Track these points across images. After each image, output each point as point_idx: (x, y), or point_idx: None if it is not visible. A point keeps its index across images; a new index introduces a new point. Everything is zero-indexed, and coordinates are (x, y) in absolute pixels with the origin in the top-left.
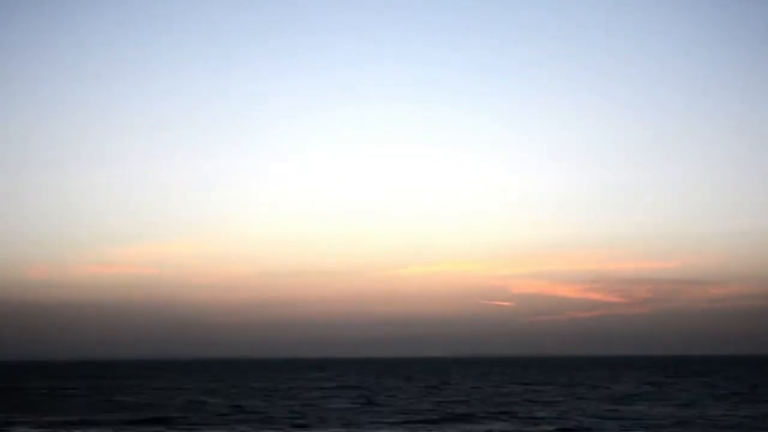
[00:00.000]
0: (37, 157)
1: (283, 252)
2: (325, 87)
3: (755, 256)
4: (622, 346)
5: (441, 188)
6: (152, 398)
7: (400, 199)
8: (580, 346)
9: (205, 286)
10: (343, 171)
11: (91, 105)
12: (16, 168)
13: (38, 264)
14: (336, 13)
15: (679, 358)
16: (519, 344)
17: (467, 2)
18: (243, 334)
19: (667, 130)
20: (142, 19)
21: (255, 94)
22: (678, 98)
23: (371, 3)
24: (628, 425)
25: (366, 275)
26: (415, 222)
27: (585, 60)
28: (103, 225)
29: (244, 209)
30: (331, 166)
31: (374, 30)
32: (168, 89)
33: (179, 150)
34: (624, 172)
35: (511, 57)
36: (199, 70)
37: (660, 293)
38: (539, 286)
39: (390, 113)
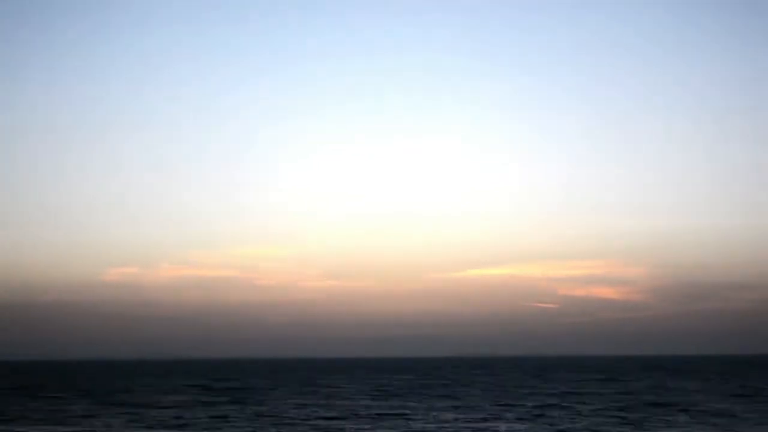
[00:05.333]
0: (119, 161)
1: (345, 254)
2: (377, 95)
3: None
4: (660, 347)
5: (501, 189)
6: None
7: (459, 202)
8: (617, 346)
9: (272, 287)
10: (404, 175)
11: (173, 114)
12: (98, 172)
13: (118, 266)
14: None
15: (726, 358)
16: (560, 344)
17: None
18: (307, 334)
19: (698, 132)
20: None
21: (315, 112)
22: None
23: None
24: None
25: (423, 277)
26: (475, 225)
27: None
28: (182, 229)
29: (312, 215)
30: (393, 170)
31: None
32: (242, 103)
33: (251, 161)
34: (661, 173)
35: (567, 58)
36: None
37: (700, 295)
38: (586, 289)
39: (444, 116)
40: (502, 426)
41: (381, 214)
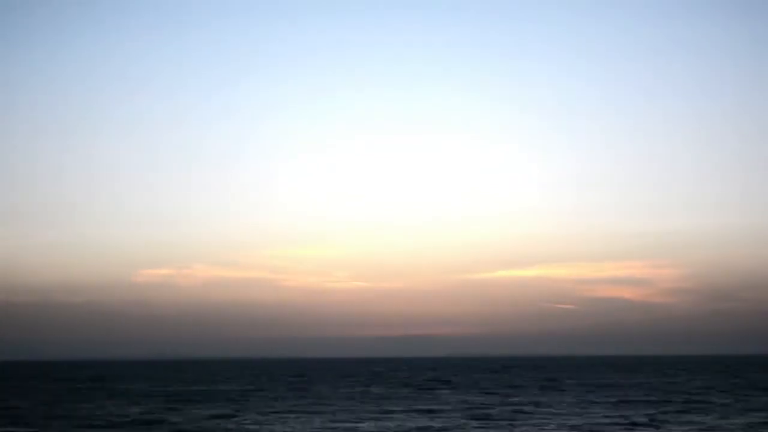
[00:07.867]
0: (153, 162)
1: (373, 256)
2: (410, 92)
3: None
4: (680, 346)
5: (530, 191)
6: None
7: (488, 204)
8: (638, 346)
9: (300, 288)
10: (432, 178)
11: (208, 115)
12: (130, 172)
13: (149, 268)
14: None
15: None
16: (579, 344)
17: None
18: (334, 334)
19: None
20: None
21: (348, 115)
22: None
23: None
24: None
25: (452, 278)
26: (503, 227)
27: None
28: (212, 231)
29: (340, 218)
30: (421, 173)
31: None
32: (281, 104)
33: (282, 162)
34: (683, 173)
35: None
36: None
37: (723, 295)
38: (611, 290)
39: (471, 117)
40: None
41: (408, 216)
